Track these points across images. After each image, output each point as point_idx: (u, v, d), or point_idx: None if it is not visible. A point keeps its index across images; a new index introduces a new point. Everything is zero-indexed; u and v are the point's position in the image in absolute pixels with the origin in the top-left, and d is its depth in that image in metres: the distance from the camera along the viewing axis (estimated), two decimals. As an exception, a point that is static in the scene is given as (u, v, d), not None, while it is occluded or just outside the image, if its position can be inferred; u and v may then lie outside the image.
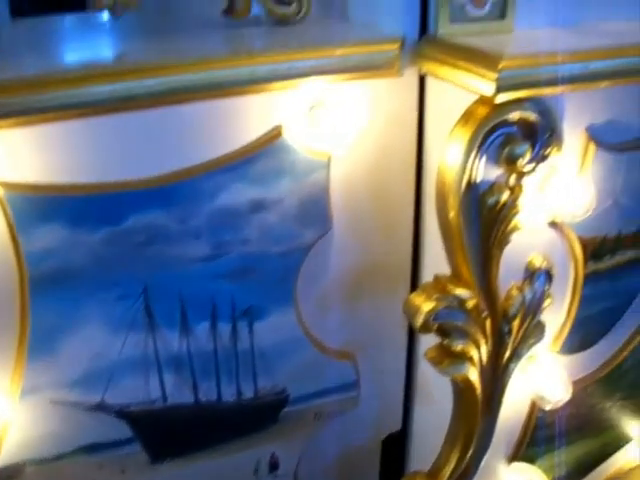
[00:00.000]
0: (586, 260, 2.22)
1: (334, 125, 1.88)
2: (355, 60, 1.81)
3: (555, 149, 1.91)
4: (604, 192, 2.14)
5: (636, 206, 2.26)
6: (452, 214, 1.85)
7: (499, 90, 1.72)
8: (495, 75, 1.70)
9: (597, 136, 2.05)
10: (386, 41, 1.85)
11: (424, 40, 1.92)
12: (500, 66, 1.71)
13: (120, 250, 1.78)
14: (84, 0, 1.88)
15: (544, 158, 1.89)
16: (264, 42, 1.89)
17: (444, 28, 1.92)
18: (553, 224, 2.07)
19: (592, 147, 2.04)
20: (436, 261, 2.02)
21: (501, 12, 1.99)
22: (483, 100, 1.78)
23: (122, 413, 1.97)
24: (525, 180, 1.91)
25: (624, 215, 2.24)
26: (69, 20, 2.08)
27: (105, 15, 1.89)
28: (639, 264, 2.40)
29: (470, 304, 1.95)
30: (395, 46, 1.84)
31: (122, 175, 1.74)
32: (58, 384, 1.87)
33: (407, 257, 2.22)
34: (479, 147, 1.81)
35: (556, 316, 2.27)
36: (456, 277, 1.96)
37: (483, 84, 1.73)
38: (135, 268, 1.82)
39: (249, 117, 1.82)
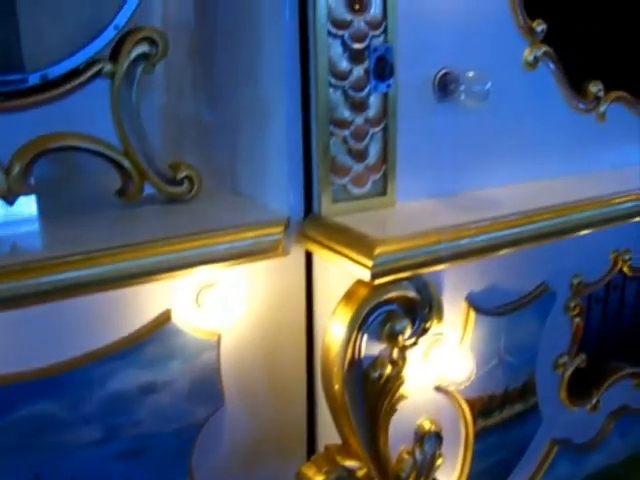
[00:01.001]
0: (475, 418, 2.30)
1: (223, 305, 1.95)
2: (242, 246, 1.90)
3: (436, 321, 2.00)
4: (488, 353, 2.24)
5: (520, 362, 2.37)
6: (337, 387, 1.92)
7: (375, 276, 1.81)
8: (371, 263, 1.79)
9: (477, 303, 2.16)
10: (271, 225, 1.94)
11: (307, 221, 2.00)
12: (376, 253, 1.80)
13: (10, 440, 1.79)
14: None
15: (425, 331, 1.98)
16: (153, 229, 1.94)
17: (327, 208, 2.01)
18: (439, 388, 2.14)
19: (473, 314, 2.15)
20: (331, 429, 2.06)
21: (382, 189, 2.10)
22: (363, 282, 1.86)
23: None
24: (408, 352, 1.97)
25: (509, 372, 2.34)
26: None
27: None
28: (528, 415, 2.49)
29: (360, 473, 2.01)
30: (279, 229, 1.93)
31: (10, 367, 1.76)
32: None
33: (302, 426, 2.27)
34: (361, 325, 1.90)
35: (450, 473, 2.34)
36: (346, 447, 2.01)
37: (360, 270, 1.82)
38: (26, 456, 1.83)
39: (138, 305, 1.87)
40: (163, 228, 1.94)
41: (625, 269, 2.62)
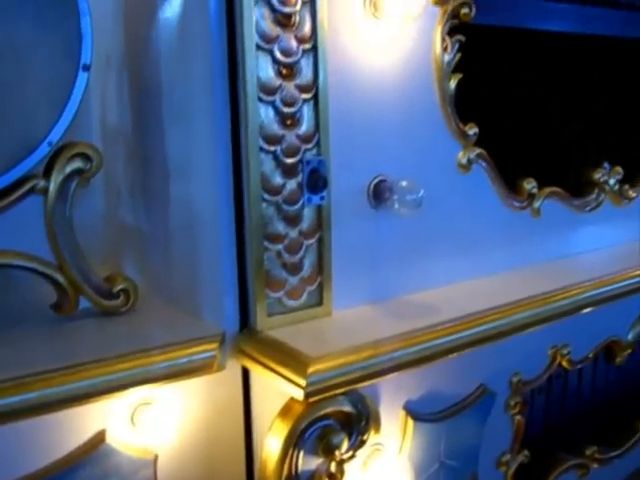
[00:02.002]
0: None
1: (159, 423, 1.92)
2: (177, 364, 1.88)
3: (373, 432, 2.00)
4: (428, 459, 2.24)
5: (462, 465, 2.37)
6: (275, 503, 1.90)
7: (308, 396, 1.81)
8: (304, 382, 1.79)
9: (415, 411, 2.16)
10: (206, 341, 1.93)
11: (242, 335, 2.00)
12: (309, 372, 1.81)
13: None
14: None
15: (363, 443, 1.98)
16: (88, 347, 1.92)
17: (262, 322, 2.01)
18: (380, 498, 2.13)
19: (411, 422, 2.15)
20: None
21: (318, 299, 2.11)
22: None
23: None
24: (346, 465, 1.96)
25: (451, 475, 2.35)
26: None
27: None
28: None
29: None
30: (214, 346, 1.93)
31: None
32: None
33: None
34: (297, 441, 1.89)
35: None
36: None
37: (294, 389, 1.81)
38: None
39: (71, 427, 1.85)
40: (98, 346, 1.91)
41: (564, 363, 2.65)
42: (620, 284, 2.67)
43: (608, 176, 3.02)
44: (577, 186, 2.95)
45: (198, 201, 2.02)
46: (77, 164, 1.96)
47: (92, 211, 2.38)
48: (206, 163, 1.97)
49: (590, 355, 2.80)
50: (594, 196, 2.98)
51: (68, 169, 1.96)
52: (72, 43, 1.94)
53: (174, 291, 2.19)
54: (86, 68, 1.95)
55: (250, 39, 1.88)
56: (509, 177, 2.61)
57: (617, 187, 3.07)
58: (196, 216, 2.03)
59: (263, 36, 1.91)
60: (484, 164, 2.47)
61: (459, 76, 2.35)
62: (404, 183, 2.11)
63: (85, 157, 1.97)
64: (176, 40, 2.05)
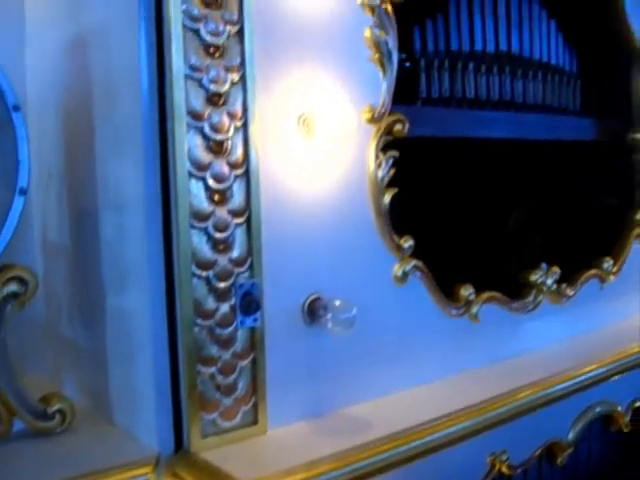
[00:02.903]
0: None
1: None
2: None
3: None
4: None
5: None
6: None
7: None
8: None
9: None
10: (139, 465, 1.95)
11: (176, 458, 2.01)
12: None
13: None
14: None
15: None
16: (16, 477, 1.91)
17: (196, 444, 2.02)
18: None
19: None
20: None
21: (253, 418, 2.13)
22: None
23: None
24: None
25: None
26: None
27: None
28: None
29: None
30: (147, 469, 1.95)
31: None
32: None
33: None
34: None
35: None
36: None
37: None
38: None
39: None
40: (29, 474, 1.92)
41: (504, 469, 2.66)
42: (558, 387, 2.71)
43: (545, 276, 3.05)
44: (515, 287, 2.98)
45: (132, 322, 2.06)
46: (12, 288, 1.99)
47: (33, 326, 2.38)
48: (139, 286, 2.01)
49: (532, 457, 2.79)
50: (532, 297, 3.03)
51: (3, 292, 1.97)
52: (9, 168, 1.96)
53: (111, 409, 2.20)
54: (23, 192, 1.98)
55: (182, 167, 1.94)
56: (447, 282, 2.63)
57: (555, 287, 3.10)
58: (130, 337, 2.06)
59: (195, 163, 1.96)
60: (420, 275, 2.51)
61: (394, 191, 2.40)
62: (337, 302, 2.15)
63: (21, 281, 1.97)
64: (112, 161, 2.10)
